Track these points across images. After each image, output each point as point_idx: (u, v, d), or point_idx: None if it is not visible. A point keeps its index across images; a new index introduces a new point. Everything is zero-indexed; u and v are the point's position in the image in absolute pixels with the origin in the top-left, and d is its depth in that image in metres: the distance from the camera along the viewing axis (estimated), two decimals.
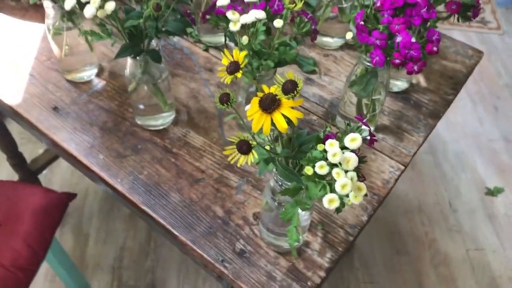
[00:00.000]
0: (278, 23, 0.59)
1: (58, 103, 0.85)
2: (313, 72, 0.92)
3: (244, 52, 0.49)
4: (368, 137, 0.51)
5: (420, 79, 0.92)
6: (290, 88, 0.43)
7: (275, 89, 0.48)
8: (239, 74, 0.48)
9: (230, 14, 0.58)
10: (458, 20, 0.74)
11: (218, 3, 0.59)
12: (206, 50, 0.95)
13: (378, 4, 0.61)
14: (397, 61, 0.60)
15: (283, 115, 0.46)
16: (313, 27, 0.68)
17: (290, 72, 0.45)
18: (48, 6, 0.77)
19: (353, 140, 0.42)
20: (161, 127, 0.82)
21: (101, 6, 0.61)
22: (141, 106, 0.79)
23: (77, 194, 1.14)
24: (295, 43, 0.65)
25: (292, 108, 0.46)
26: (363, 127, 0.52)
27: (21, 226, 1.01)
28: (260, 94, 0.48)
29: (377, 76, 0.73)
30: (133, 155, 0.78)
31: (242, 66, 0.48)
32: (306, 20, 0.66)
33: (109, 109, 0.84)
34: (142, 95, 0.78)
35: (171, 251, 1.54)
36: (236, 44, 0.68)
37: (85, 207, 1.64)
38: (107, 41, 0.67)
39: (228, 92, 0.48)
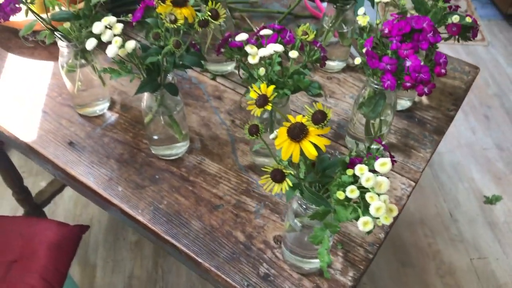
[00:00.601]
0: (293, 54, 0.62)
1: (73, 137, 0.87)
2: (318, 95, 0.95)
3: (272, 86, 0.51)
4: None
5: (422, 97, 0.95)
6: (320, 118, 0.46)
7: (301, 118, 0.50)
8: (268, 107, 0.51)
9: (249, 49, 0.61)
10: (458, 41, 0.77)
11: (238, 38, 0.62)
12: (214, 78, 0.98)
13: (386, 31, 0.65)
14: (408, 84, 0.63)
15: (311, 143, 0.48)
16: (322, 54, 0.71)
17: (319, 104, 0.48)
18: (62, 45, 0.80)
19: (383, 164, 0.45)
20: (177, 156, 0.84)
21: (122, 45, 0.63)
22: (157, 137, 0.81)
23: (90, 226, 1.14)
24: (308, 70, 0.68)
25: (319, 135, 0.49)
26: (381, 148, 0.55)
27: (37, 261, 1.01)
28: (286, 124, 0.50)
29: (385, 97, 0.76)
30: (152, 186, 0.80)
31: (271, 99, 0.51)
32: (316, 48, 0.69)
33: (124, 141, 0.86)
34: (158, 126, 0.80)
35: (178, 277, 1.55)
36: (250, 75, 0.71)
37: (91, 238, 1.64)
38: None
39: (257, 124, 0.51)
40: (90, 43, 0.64)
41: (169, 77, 0.73)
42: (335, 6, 0.90)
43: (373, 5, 0.84)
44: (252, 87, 0.54)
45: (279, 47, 0.60)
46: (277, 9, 1.13)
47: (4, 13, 0.66)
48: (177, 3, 0.63)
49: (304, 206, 0.59)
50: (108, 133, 0.88)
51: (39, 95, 0.94)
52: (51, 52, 1.02)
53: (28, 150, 0.87)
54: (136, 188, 0.80)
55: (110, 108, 0.92)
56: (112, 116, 0.91)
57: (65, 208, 1.73)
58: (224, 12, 0.64)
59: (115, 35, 0.63)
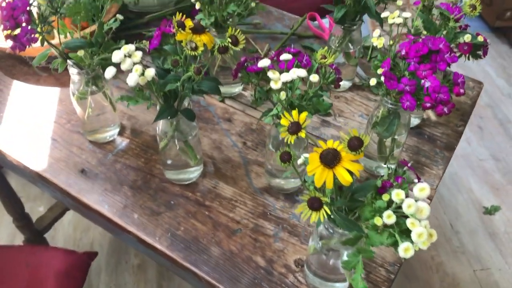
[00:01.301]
0: (314, 78, 0.62)
1: (85, 165, 0.86)
2: (328, 114, 0.96)
3: (305, 113, 0.51)
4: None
5: (430, 114, 0.96)
6: (356, 145, 0.46)
7: (332, 143, 0.50)
8: (302, 134, 0.51)
9: (271, 74, 0.61)
10: (468, 59, 0.78)
11: (260, 64, 0.62)
12: (222, 101, 0.98)
13: (403, 52, 0.65)
14: (428, 104, 0.63)
15: (345, 169, 0.48)
16: (337, 76, 0.71)
17: (355, 130, 0.48)
18: (73, 73, 0.79)
19: (422, 190, 0.45)
20: (191, 181, 0.83)
21: (142, 73, 0.63)
22: (171, 162, 0.81)
23: (98, 252, 1.13)
24: (325, 93, 0.68)
25: (352, 161, 0.49)
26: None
27: None
28: (317, 150, 0.50)
29: (400, 117, 0.76)
30: (168, 212, 0.79)
31: (304, 126, 0.51)
32: (331, 70, 0.70)
33: (137, 167, 0.86)
34: (173, 151, 0.79)
35: None
36: (267, 98, 0.71)
37: (92, 262, 1.61)
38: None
39: (288, 151, 0.51)
40: (109, 72, 0.63)
41: (185, 102, 0.73)
42: (342, 26, 0.91)
43: (381, 25, 0.86)
44: (270, 109, 0.54)
45: (302, 72, 0.60)
46: (280, 30, 1.14)
47: (21, 43, 0.65)
48: (197, 30, 0.64)
49: (331, 230, 0.59)
50: (120, 159, 0.87)
51: (47, 122, 0.93)
52: (57, 79, 1.02)
53: (38, 179, 0.86)
54: (152, 215, 0.79)
55: (120, 134, 0.91)
56: (123, 142, 0.90)
57: (64, 233, 1.70)
58: (243, 38, 0.64)
59: (134, 63, 0.63)
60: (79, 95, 0.82)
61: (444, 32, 0.77)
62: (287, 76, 0.60)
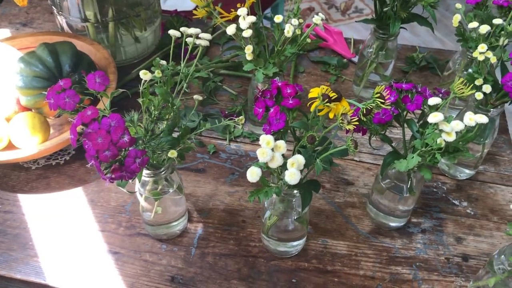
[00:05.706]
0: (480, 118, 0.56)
1: (172, 271, 0.72)
2: None
3: None
4: None
5: None
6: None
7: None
8: None
9: (444, 126, 0.54)
10: None
11: (432, 101, 0.55)
12: None
13: None
14: None
15: None
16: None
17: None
18: (144, 175, 0.64)
19: None
20: (298, 251, 0.74)
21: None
22: (276, 236, 0.71)
23: None
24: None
25: None
26: None
27: None
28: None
29: (493, 122, 0.75)
30: None
31: None
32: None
33: (231, 252, 0.74)
34: (281, 227, 0.69)
35: None
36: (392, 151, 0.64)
37: None
38: None
39: None
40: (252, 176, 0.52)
41: None
42: (377, 35, 0.87)
43: (433, 30, 0.83)
44: None
45: (484, 119, 0.55)
46: None
47: (131, 172, 0.50)
48: (338, 99, 0.55)
49: None
50: (207, 250, 0.74)
51: (93, 234, 0.76)
52: (70, 176, 0.83)
53: None
54: None
55: (189, 220, 0.78)
56: (197, 229, 0.77)
57: None
58: (387, 96, 0.57)
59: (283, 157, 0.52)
60: (153, 196, 0.68)
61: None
62: (460, 125, 0.54)
